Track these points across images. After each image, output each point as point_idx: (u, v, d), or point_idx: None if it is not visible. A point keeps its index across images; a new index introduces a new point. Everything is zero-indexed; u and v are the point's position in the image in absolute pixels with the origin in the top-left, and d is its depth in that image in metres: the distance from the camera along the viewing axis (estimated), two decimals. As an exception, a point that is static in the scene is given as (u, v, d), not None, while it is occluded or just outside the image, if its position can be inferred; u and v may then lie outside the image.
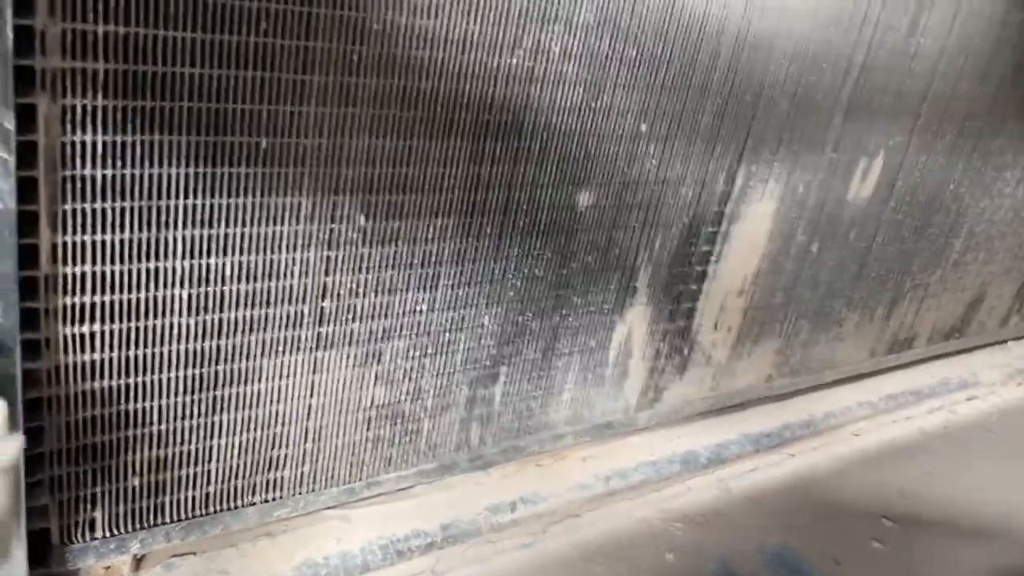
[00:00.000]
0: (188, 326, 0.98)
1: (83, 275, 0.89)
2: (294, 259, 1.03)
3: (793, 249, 1.64)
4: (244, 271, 1.00)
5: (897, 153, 1.71)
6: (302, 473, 1.18)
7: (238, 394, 1.07)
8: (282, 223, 1.00)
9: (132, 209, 0.89)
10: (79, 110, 0.81)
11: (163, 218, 0.91)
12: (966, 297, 2.21)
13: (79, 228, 0.87)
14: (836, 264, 1.75)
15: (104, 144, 0.84)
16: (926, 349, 2.20)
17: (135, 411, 1.00)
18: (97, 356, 0.94)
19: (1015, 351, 2.50)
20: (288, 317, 1.06)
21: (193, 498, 1.09)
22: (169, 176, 0.89)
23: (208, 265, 0.97)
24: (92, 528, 1.03)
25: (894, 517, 1.66)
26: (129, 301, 0.93)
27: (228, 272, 0.98)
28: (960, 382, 2.24)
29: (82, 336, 0.92)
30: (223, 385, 1.05)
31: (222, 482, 1.11)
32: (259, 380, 1.07)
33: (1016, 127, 1.94)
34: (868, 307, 1.92)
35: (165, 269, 0.94)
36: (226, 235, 0.96)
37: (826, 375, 1.95)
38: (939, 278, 2.06)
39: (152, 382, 0.99)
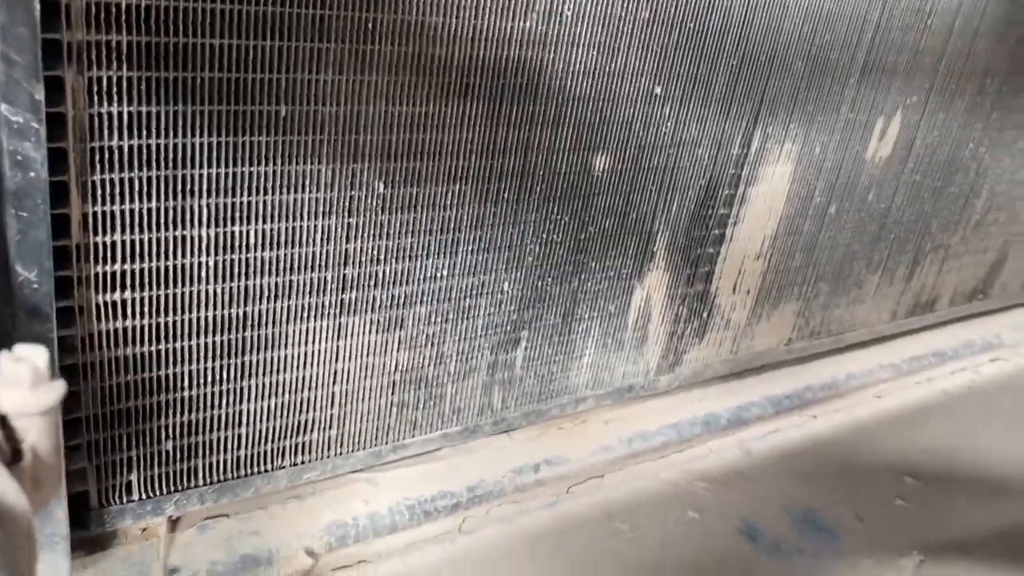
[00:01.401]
0: (215, 293, 1.01)
1: (113, 244, 0.92)
2: (316, 226, 1.05)
3: (811, 211, 1.64)
4: (268, 239, 1.02)
5: (915, 112, 1.70)
6: (329, 437, 1.21)
7: (265, 360, 1.09)
8: (303, 191, 1.02)
9: (158, 178, 0.91)
10: (104, 82, 0.84)
11: (188, 187, 0.94)
12: (988, 258, 2.20)
13: (108, 198, 0.89)
14: (855, 225, 1.75)
15: (130, 115, 0.87)
16: (948, 311, 2.19)
17: (166, 376, 1.03)
18: (128, 323, 0.97)
19: (1039, 312, 2.48)
20: (311, 284, 1.08)
21: (225, 461, 1.12)
22: (193, 145, 0.92)
23: (233, 233, 0.99)
24: (128, 491, 1.07)
25: (917, 475, 1.66)
26: (158, 269, 0.96)
27: (252, 240, 1.01)
28: (984, 344, 2.23)
29: (114, 304, 0.95)
30: (250, 351, 1.07)
31: (252, 446, 1.14)
32: (285, 346, 1.10)
33: (1037, 84, 1.92)
34: (888, 269, 1.92)
35: (191, 237, 0.96)
36: (249, 203, 0.99)
37: (847, 338, 1.95)
38: (960, 239, 2.06)
39: (182, 348, 1.02)
